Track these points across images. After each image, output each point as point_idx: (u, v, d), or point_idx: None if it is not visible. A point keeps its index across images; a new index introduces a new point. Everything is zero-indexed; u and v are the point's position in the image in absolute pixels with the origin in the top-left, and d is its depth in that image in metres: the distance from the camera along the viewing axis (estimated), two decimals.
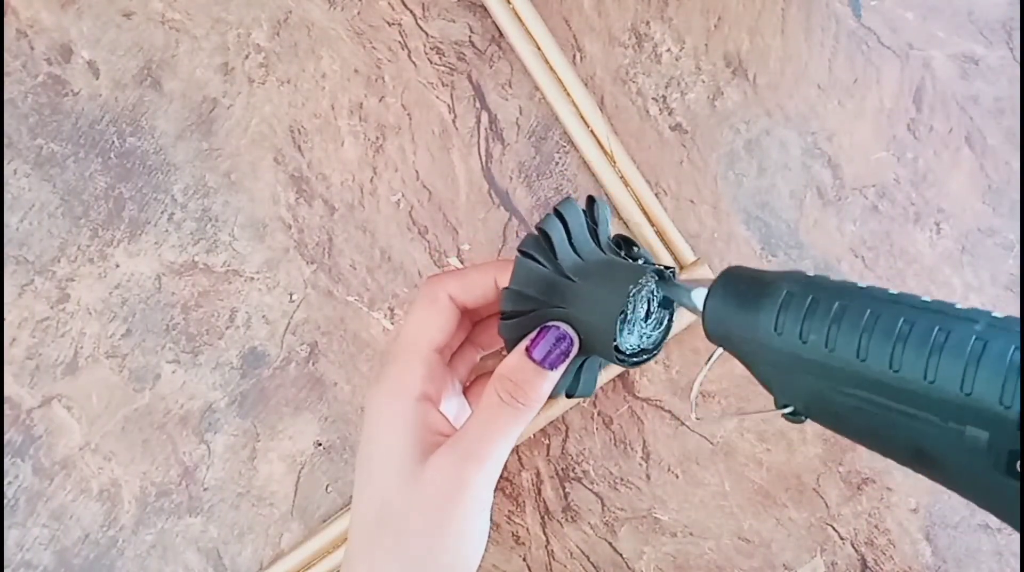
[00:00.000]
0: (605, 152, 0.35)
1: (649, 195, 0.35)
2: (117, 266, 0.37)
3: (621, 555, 0.36)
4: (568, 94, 0.36)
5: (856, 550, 0.36)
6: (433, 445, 0.28)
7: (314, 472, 0.37)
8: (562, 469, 0.36)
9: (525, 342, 0.29)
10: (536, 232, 0.29)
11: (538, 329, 0.29)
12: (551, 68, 0.36)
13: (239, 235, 0.37)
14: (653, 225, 0.35)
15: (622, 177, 0.35)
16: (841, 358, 0.22)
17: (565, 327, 0.29)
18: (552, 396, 0.29)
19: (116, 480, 0.37)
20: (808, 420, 0.25)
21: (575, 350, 0.29)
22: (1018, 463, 0.21)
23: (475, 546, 0.28)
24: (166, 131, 0.37)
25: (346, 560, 0.29)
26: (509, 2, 0.36)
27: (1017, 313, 0.35)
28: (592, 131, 0.35)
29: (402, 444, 0.28)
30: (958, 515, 0.36)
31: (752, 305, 0.25)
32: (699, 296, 0.27)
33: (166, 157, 0.37)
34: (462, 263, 0.37)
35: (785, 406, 0.25)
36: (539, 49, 0.36)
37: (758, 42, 0.37)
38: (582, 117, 0.36)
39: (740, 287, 0.25)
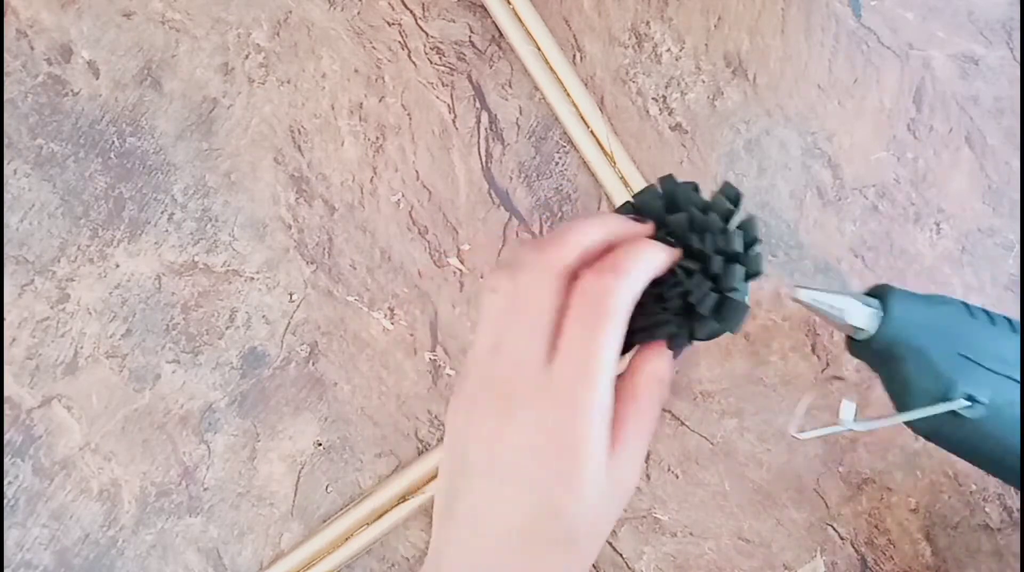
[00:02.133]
0: (605, 152, 0.35)
1: None
2: (117, 266, 0.37)
3: (621, 555, 0.36)
4: (568, 94, 0.36)
5: (856, 550, 0.36)
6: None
7: (314, 472, 0.37)
8: None
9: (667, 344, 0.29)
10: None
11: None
12: (551, 68, 0.36)
13: (239, 235, 0.37)
14: None
15: (622, 177, 0.35)
16: None
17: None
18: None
19: (116, 480, 0.37)
20: (977, 419, 0.27)
21: None
22: None
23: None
24: (166, 131, 0.37)
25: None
26: (509, 2, 0.36)
27: (1017, 313, 0.35)
28: (592, 131, 0.35)
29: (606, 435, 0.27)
30: (958, 515, 0.36)
31: (936, 298, 0.28)
32: (854, 308, 0.29)
33: (166, 157, 0.37)
34: (462, 264, 0.37)
35: (969, 397, 0.26)
36: (539, 49, 0.36)
37: (758, 42, 0.37)
38: (582, 117, 0.36)
39: (907, 291, 0.29)
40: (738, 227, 0.28)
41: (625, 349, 0.28)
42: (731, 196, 0.28)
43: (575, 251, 0.27)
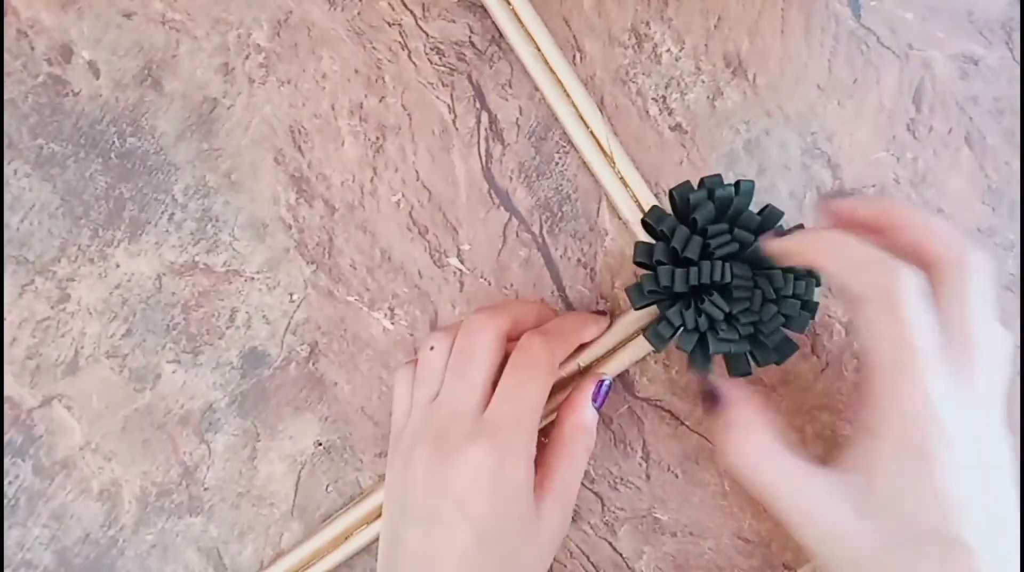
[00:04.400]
0: (605, 153, 0.35)
1: (648, 196, 0.35)
2: (117, 266, 0.37)
3: (621, 555, 0.36)
4: (568, 95, 0.36)
5: None
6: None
7: (314, 472, 0.37)
8: None
9: (591, 395, 0.32)
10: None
11: (605, 384, 0.33)
12: (551, 69, 0.36)
13: (239, 235, 0.37)
14: None
15: (621, 178, 0.35)
16: None
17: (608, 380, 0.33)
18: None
19: (116, 480, 0.37)
20: None
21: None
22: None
23: None
24: (166, 131, 0.37)
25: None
26: (509, 3, 0.36)
27: (1017, 313, 0.36)
28: (592, 132, 0.35)
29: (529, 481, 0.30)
30: None
31: None
32: None
33: (166, 157, 0.37)
34: (462, 264, 0.37)
35: None
36: (539, 50, 0.36)
37: (758, 42, 0.37)
38: (582, 118, 0.36)
39: None
40: (809, 273, 0.30)
41: (694, 361, 0.31)
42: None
43: (511, 321, 0.31)
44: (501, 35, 0.37)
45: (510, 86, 0.37)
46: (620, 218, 0.36)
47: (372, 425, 0.37)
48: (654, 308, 0.32)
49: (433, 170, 0.37)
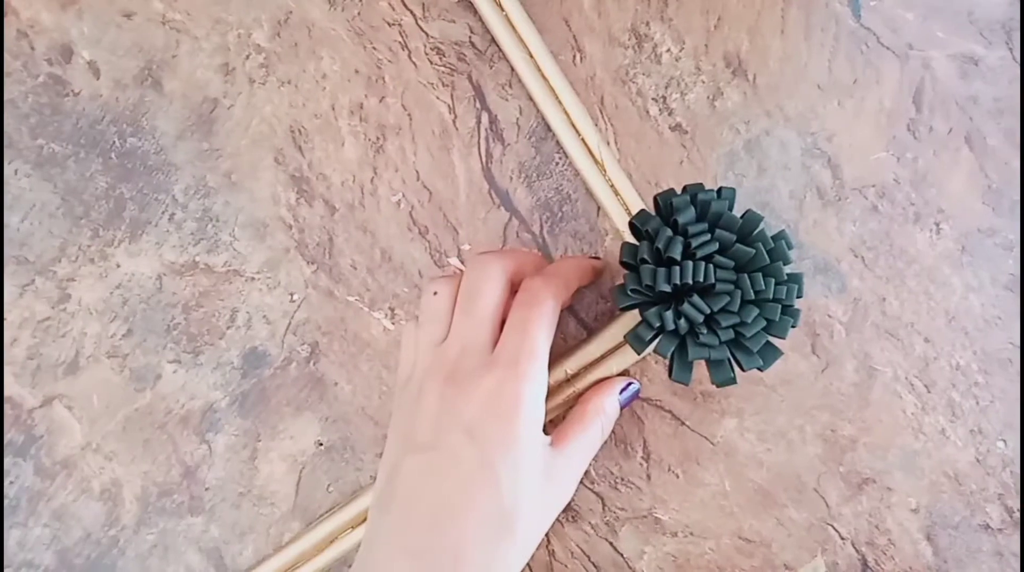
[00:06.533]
0: (596, 161, 0.35)
1: (639, 203, 0.35)
2: (118, 266, 0.37)
3: (622, 555, 0.36)
4: (560, 102, 0.36)
5: (856, 550, 0.36)
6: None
7: (315, 472, 0.37)
8: None
9: (620, 388, 0.34)
10: None
11: (634, 386, 0.34)
12: (543, 75, 0.36)
13: (240, 235, 0.37)
14: None
15: (612, 186, 0.35)
16: None
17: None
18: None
19: (117, 480, 0.37)
20: None
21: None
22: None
23: None
24: (167, 131, 0.37)
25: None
26: (501, 8, 0.36)
27: (1017, 313, 0.36)
28: (583, 140, 0.35)
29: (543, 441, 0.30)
30: (958, 515, 0.36)
31: None
32: None
33: (167, 157, 0.37)
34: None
35: None
36: (531, 56, 0.36)
37: (758, 42, 0.37)
38: (573, 126, 0.35)
39: None
40: (792, 278, 0.30)
41: (673, 368, 0.30)
42: (790, 245, 0.30)
43: (515, 264, 0.32)
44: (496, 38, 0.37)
45: (510, 86, 0.37)
46: (614, 226, 0.36)
47: (372, 425, 0.37)
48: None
49: (433, 170, 0.37)
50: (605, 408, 0.33)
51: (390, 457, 0.30)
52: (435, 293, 0.32)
